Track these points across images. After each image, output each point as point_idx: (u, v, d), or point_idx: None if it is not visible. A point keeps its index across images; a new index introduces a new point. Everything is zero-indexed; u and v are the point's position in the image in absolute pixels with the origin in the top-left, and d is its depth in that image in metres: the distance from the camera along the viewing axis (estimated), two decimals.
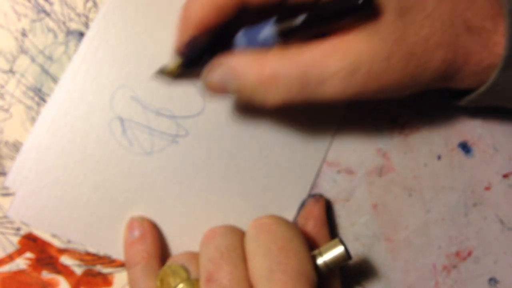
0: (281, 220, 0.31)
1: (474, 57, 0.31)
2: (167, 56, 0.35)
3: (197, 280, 0.31)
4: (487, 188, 0.39)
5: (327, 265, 0.30)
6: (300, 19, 0.29)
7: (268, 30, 0.30)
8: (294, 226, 0.31)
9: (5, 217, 0.35)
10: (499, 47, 0.30)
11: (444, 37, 0.30)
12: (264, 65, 0.30)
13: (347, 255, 0.30)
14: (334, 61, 0.29)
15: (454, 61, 0.31)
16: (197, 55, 0.32)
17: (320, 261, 0.30)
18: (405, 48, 0.29)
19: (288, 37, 0.30)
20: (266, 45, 0.30)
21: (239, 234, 0.31)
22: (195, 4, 0.31)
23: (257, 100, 0.31)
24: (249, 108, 0.36)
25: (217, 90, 0.32)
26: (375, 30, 0.29)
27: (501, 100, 0.33)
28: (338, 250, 0.30)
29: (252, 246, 0.30)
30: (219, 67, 0.31)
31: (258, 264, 0.29)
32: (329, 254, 0.30)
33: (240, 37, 0.31)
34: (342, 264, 0.31)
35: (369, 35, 0.29)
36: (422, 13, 0.30)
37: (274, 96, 0.30)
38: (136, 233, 0.34)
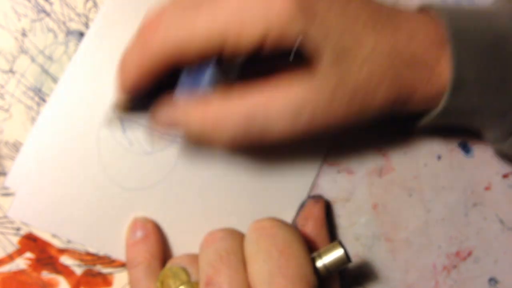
0: (281, 223, 0.31)
1: (418, 90, 0.31)
2: None
3: (197, 283, 0.31)
4: (487, 188, 0.39)
5: (327, 268, 0.30)
6: (237, 67, 0.29)
7: (208, 74, 0.30)
8: (294, 229, 0.31)
9: (5, 217, 0.35)
10: (444, 76, 0.31)
11: (384, 76, 0.30)
12: (207, 110, 0.30)
13: (347, 258, 0.30)
14: (277, 104, 0.29)
15: (398, 97, 0.31)
16: (143, 102, 0.32)
17: (319, 264, 0.30)
18: (346, 91, 0.30)
19: (230, 76, 0.30)
20: (209, 86, 0.31)
21: (239, 238, 0.31)
22: (129, 61, 0.30)
23: (204, 143, 0.31)
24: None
25: (165, 132, 0.33)
26: (314, 75, 0.29)
27: (456, 123, 0.34)
28: (338, 253, 0.30)
29: (252, 250, 0.30)
30: (164, 112, 0.31)
31: (258, 268, 0.29)
32: (329, 257, 0.30)
33: (184, 77, 0.31)
34: (342, 268, 0.31)
35: (310, 80, 0.29)
36: (360, 54, 0.29)
37: (220, 139, 0.30)
38: (139, 233, 0.34)
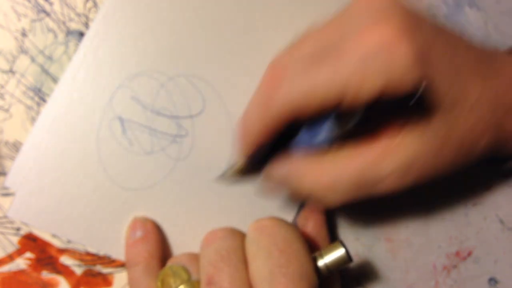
0: (282, 222, 0.31)
1: None
2: (167, 56, 0.35)
3: (197, 282, 0.31)
4: (487, 188, 0.39)
5: (328, 267, 0.30)
6: (355, 119, 0.29)
7: (325, 129, 0.30)
8: (295, 228, 0.31)
9: (5, 217, 0.35)
10: None
11: (488, 124, 0.31)
12: (320, 173, 0.31)
13: (348, 257, 0.30)
14: (387, 164, 0.30)
15: (498, 141, 0.32)
16: (259, 160, 0.34)
17: (320, 263, 0.30)
18: (454, 141, 0.30)
19: (345, 138, 0.30)
20: (324, 143, 0.31)
21: (240, 237, 0.31)
22: (252, 125, 0.31)
23: (315, 202, 0.33)
24: None
25: (276, 190, 0.34)
26: (424, 128, 0.29)
27: None
28: (339, 252, 0.30)
29: (252, 249, 0.30)
30: (279, 168, 0.33)
31: (259, 267, 0.29)
32: (330, 257, 0.30)
33: (302, 133, 0.32)
34: (343, 267, 0.31)
35: (420, 134, 0.30)
36: (468, 103, 0.30)
37: (331, 200, 0.31)
38: (139, 233, 0.34)
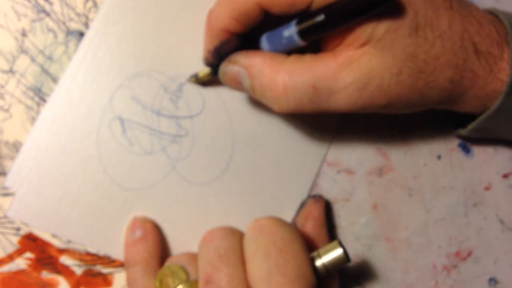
0: (280, 222, 0.31)
1: (479, 80, 0.31)
2: (167, 56, 0.35)
3: (196, 282, 0.31)
4: (487, 188, 0.39)
5: (326, 267, 0.30)
6: (319, 18, 0.29)
7: (289, 31, 0.30)
8: (293, 228, 0.31)
9: (5, 217, 0.35)
10: (503, 74, 0.31)
11: (453, 57, 0.30)
12: (278, 72, 0.30)
13: (346, 257, 0.30)
14: (345, 75, 0.30)
15: (460, 83, 0.31)
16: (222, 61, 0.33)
17: (319, 263, 0.30)
18: (415, 65, 0.30)
19: (308, 38, 0.30)
20: (287, 48, 0.31)
21: (238, 236, 0.31)
22: (217, 13, 0.31)
23: (267, 103, 0.32)
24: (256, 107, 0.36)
25: (232, 83, 0.33)
26: (388, 45, 0.29)
27: (504, 129, 0.34)
28: (337, 252, 0.30)
29: (251, 248, 0.30)
30: (236, 62, 0.32)
31: (257, 267, 0.29)
32: (328, 256, 0.30)
33: (264, 40, 0.32)
34: (341, 267, 0.31)
35: (381, 50, 0.29)
36: (435, 32, 0.30)
37: (284, 104, 0.31)
38: (138, 233, 0.34)
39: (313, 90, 0.30)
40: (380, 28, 0.29)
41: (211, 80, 0.35)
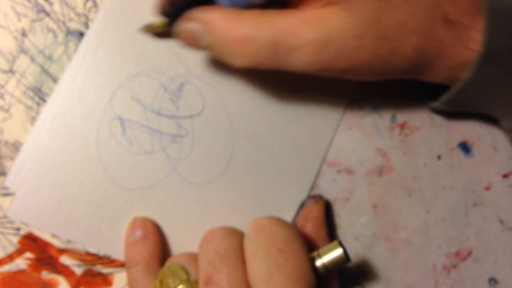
0: (280, 222, 0.31)
1: (448, 50, 0.30)
2: (167, 56, 0.35)
3: (196, 282, 0.31)
4: (487, 188, 0.39)
5: (326, 267, 0.30)
6: None
7: None
8: (293, 228, 0.31)
9: (5, 217, 0.35)
10: (475, 44, 0.30)
11: (419, 25, 0.30)
12: (237, 25, 0.30)
13: (346, 257, 0.30)
14: (306, 32, 0.29)
15: (427, 51, 0.30)
16: (179, 12, 0.32)
17: (319, 263, 0.30)
18: (379, 29, 0.29)
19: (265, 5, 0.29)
20: (247, 4, 0.30)
21: (238, 236, 0.31)
22: None
23: (226, 59, 0.31)
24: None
25: (188, 41, 0.32)
26: (352, 6, 0.29)
27: (478, 102, 0.33)
28: (337, 252, 0.30)
29: (251, 248, 0.30)
30: (193, 18, 0.31)
31: (257, 267, 0.29)
32: (328, 256, 0.30)
33: None
34: (341, 267, 0.31)
35: (345, 10, 0.29)
36: None
37: (242, 57, 0.30)
38: (138, 233, 0.34)
39: (272, 45, 0.29)
40: None
41: (165, 32, 0.34)
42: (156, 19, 0.34)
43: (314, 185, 0.37)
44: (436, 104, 0.35)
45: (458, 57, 0.31)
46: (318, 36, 0.29)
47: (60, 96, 0.35)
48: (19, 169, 0.34)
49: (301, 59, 0.30)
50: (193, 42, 0.32)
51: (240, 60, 0.30)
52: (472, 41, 0.30)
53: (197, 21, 0.31)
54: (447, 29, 0.30)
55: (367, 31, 0.29)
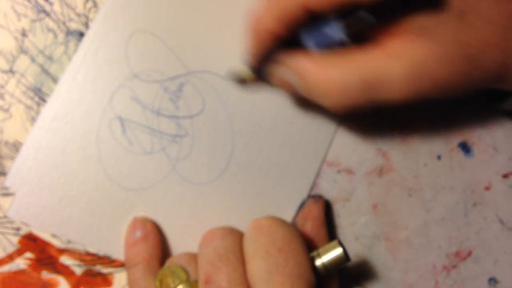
0: (280, 222, 0.31)
1: None
2: (167, 56, 0.35)
3: (196, 282, 0.31)
4: (487, 188, 0.39)
5: (326, 267, 0.30)
6: (367, 17, 0.29)
7: (333, 27, 0.30)
8: (293, 228, 0.31)
9: (5, 217, 0.35)
10: None
11: (498, 39, 0.30)
12: (326, 70, 0.30)
13: (345, 257, 0.30)
14: (397, 66, 0.29)
15: (507, 63, 0.31)
16: (268, 61, 0.33)
17: (318, 262, 0.30)
18: (464, 50, 0.30)
19: (351, 32, 0.30)
20: (330, 44, 0.31)
21: (238, 236, 0.31)
22: (264, 17, 0.31)
23: (323, 103, 0.31)
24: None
25: (280, 84, 0.33)
26: (435, 34, 0.29)
27: None
28: (337, 252, 0.30)
29: (250, 248, 0.30)
30: (283, 64, 0.32)
31: (257, 266, 0.29)
32: (328, 256, 0.30)
33: (304, 38, 0.31)
34: (340, 266, 0.31)
35: (430, 39, 0.29)
36: (481, 16, 0.30)
37: (336, 100, 0.30)
38: (138, 233, 0.34)
39: (364, 84, 0.29)
40: (425, 17, 0.29)
41: (252, 82, 0.35)
42: (245, 70, 0.35)
43: (314, 185, 0.37)
44: (502, 106, 0.36)
45: None
46: (408, 69, 0.29)
47: (60, 96, 0.35)
48: (19, 169, 0.34)
49: (395, 94, 0.30)
50: (285, 86, 0.32)
51: (336, 103, 0.30)
52: None
53: (286, 65, 0.31)
54: None
55: (453, 55, 0.29)
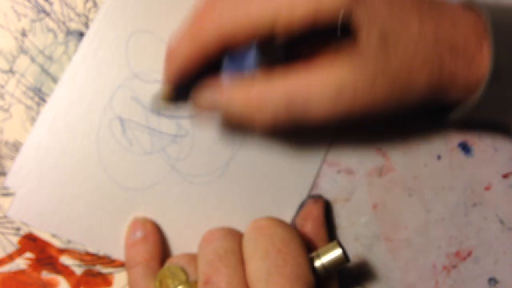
0: (279, 222, 0.31)
1: (458, 77, 0.31)
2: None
3: (195, 282, 0.31)
4: (487, 188, 0.39)
5: (325, 267, 0.30)
6: (280, 46, 0.30)
7: (252, 53, 0.31)
8: (292, 229, 0.31)
9: (5, 217, 0.35)
10: (483, 66, 0.31)
11: (427, 60, 0.30)
12: (250, 90, 0.30)
13: (345, 258, 0.30)
14: (319, 84, 0.30)
15: (438, 84, 0.31)
16: (185, 87, 0.33)
17: (318, 263, 0.30)
18: (389, 72, 0.30)
19: (271, 58, 0.31)
20: (251, 68, 0.32)
21: (237, 237, 0.31)
22: (179, 51, 0.31)
23: (245, 123, 0.32)
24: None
25: (206, 111, 0.33)
26: (357, 56, 0.29)
27: (491, 114, 0.34)
28: (336, 252, 0.30)
29: (250, 249, 0.30)
30: (208, 91, 0.32)
31: (256, 267, 0.29)
32: (327, 257, 0.30)
33: (226, 62, 0.32)
34: (340, 267, 0.31)
35: (352, 60, 0.29)
36: (405, 36, 0.30)
37: (261, 119, 0.31)
38: (138, 233, 0.34)
39: (287, 102, 0.30)
40: (347, 41, 0.29)
41: (173, 100, 0.35)
42: (162, 89, 0.34)
43: (314, 185, 0.37)
44: (447, 118, 0.35)
45: (468, 82, 0.31)
46: (330, 86, 0.30)
47: (60, 96, 0.35)
48: (19, 169, 0.35)
49: (318, 113, 0.30)
50: (211, 111, 0.33)
51: (259, 122, 0.31)
52: (480, 65, 0.31)
53: (211, 92, 0.32)
54: (455, 57, 0.31)
55: (377, 77, 0.30)
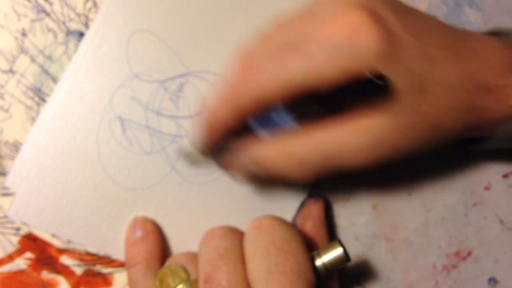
0: (280, 221, 0.31)
1: (488, 113, 0.31)
2: (167, 56, 0.35)
3: (196, 281, 0.31)
4: (487, 188, 0.39)
5: (326, 266, 0.30)
6: (314, 106, 0.30)
7: (281, 115, 0.31)
8: (293, 227, 0.31)
9: (5, 217, 0.35)
10: (511, 99, 0.31)
11: (461, 106, 0.30)
12: (289, 153, 0.30)
13: (346, 257, 0.30)
14: (359, 136, 0.29)
15: (471, 121, 0.31)
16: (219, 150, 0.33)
17: (318, 262, 0.30)
18: (425, 120, 0.30)
19: (304, 117, 0.30)
20: (286, 126, 0.31)
21: (238, 235, 0.31)
22: (220, 112, 0.31)
23: (285, 177, 0.31)
24: None
25: (239, 171, 0.33)
26: (393, 108, 0.29)
27: None
28: (337, 252, 0.30)
29: (250, 247, 0.30)
30: (242, 155, 0.32)
31: (257, 266, 0.29)
32: (328, 256, 0.30)
33: (256, 124, 0.32)
34: (341, 266, 0.31)
35: (388, 113, 0.29)
36: (435, 83, 0.30)
37: (303, 177, 0.31)
38: (139, 233, 0.34)
39: (327, 160, 0.30)
40: (382, 90, 0.29)
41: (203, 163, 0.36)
42: (195, 152, 0.35)
43: (314, 185, 0.37)
44: (472, 148, 0.36)
45: (497, 115, 0.32)
46: (365, 141, 0.29)
47: (60, 96, 0.35)
48: (19, 169, 0.34)
49: (355, 162, 0.30)
50: (246, 173, 0.33)
51: (301, 179, 0.31)
52: (509, 98, 0.31)
53: (248, 160, 0.32)
54: (485, 95, 0.31)
55: (414, 126, 0.30)
